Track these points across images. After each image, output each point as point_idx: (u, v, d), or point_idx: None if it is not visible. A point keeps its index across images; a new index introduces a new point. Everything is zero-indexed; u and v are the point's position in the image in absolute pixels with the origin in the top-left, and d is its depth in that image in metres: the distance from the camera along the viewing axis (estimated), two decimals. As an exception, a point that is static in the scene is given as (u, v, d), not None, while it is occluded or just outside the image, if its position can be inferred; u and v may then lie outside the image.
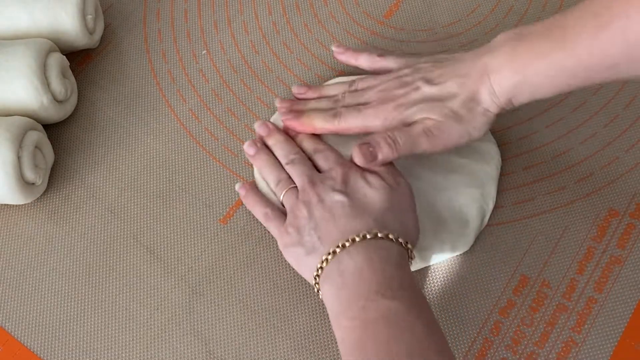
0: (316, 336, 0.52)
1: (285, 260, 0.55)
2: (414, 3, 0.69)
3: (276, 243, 0.56)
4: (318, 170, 0.55)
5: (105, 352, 0.53)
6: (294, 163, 0.55)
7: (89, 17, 0.65)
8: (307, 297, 0.54)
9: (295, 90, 0.61)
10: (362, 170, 0.53)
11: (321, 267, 0.49)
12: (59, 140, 0.64)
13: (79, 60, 0.68)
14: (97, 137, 0.64)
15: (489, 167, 0.57)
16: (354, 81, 0.58)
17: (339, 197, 0.51)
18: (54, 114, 0.61)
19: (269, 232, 0.57)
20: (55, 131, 0.64)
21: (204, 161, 0.61)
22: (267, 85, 0.65)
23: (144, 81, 0.67)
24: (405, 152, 0.52)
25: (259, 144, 0.58)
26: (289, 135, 0.58)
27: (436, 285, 0.54)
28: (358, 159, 0.53)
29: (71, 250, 0.58)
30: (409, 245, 0.49)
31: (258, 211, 0.56)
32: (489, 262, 0.54)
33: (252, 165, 0.61)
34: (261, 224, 0.57)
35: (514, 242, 0.55)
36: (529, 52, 0.50)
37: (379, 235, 0.48)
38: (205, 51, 0.68)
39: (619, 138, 0.59)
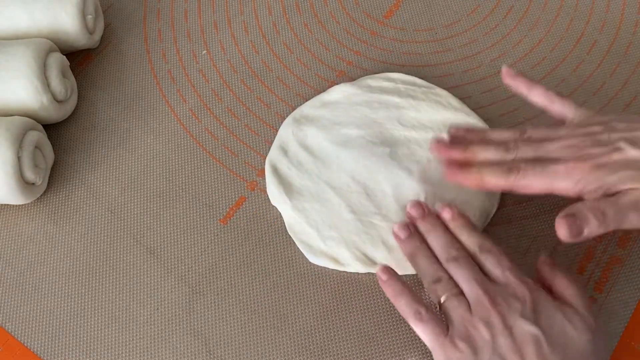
0: (316, 336, 0.52)
1: (285, 261, 0.55)
2: (414, 3, 0.69)
3: (276, 243, 0.56)
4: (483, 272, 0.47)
5: (105, 352, 0.53)
6: (457, 262, 0.47)
7: (89, 17, 0.65)
8: (307, 297, 0.54)
9: (453, 131, 0.53)
10: (554, 298, 0.45)
11: None
12: (59, 140, 0.64)
13: (79, 60, 0.68)
14: (97, 137, 0.64)
15: None
16: (525, 130, 0.50)
17: (531, 330, 0.42)
18: (54, 114, 0.61)
19: (269, 232, 0.57)
20: (55, 131, 0.64)
21: (204, 161, 0.61)
22: (267, 85, 0.65)
23: (144, 81, 0.67)
24: (613, 228, 0.45)
25: (412, 228, 0.51)
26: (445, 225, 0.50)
27: (436, 285, 0.54)
28: (562, 232, 0.45)
29: (71, 250, 0.58)
30: None
31: (406, 308, 0.47)
32: (489, 262, 0.54)
33: (252, 165, 0.61)
34: (261, 224, 0.57)
35: (514, 242, 0.55)
36: None
37: None
38: (205, 51, 0.68)
39: (619, 138, 0.58)
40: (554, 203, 0.56)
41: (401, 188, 0.56)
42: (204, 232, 0.58)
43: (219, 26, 0.70)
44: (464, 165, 0.50)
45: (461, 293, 0.46)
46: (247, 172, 0.60)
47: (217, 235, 0.58)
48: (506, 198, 0.57)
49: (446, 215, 0.50)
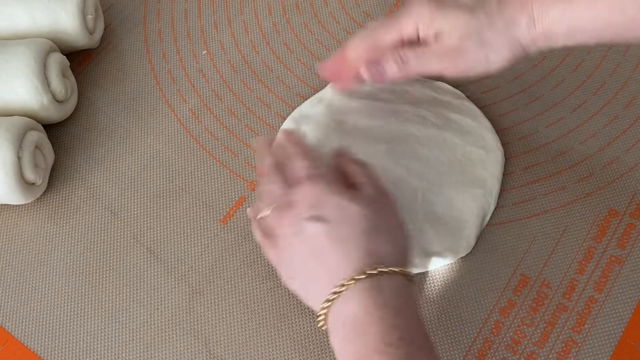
0: (316, 336, 0.52)
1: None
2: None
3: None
4: None
5: (105, 352, 0.53)
6: (268, 175, 0.51)
7: (89, 17, 0.65)
8: (307, 297, 0.54)
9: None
10: (338, 179, 0.48)
11: (324, 314, 0.45)
12: (59, 140, 0.64)
13: (79, 60, 0.68)
14: (97, 137, 0.64)
15: (490, 163, 0.56)
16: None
17: (315, 227, 0.46)
18: (54, 114, 0.61)
19: (269, 232, 0.57)
20: (55, 131, 0.64)
21: (204, 161, 0.61)
22: (267, 85, 0.65)
23: (144, 81, 0.67)
24: (415, 73, 0.50)
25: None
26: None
27: (436, 285, 0.54)
28: (367, 76, 0.51)
29: (71, 251, 0.58)
30: (406, 271, 0.45)
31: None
32: (489, 262, 0.54)
33: (252, 165, 0.61)
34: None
35: (514, 242, 0.55)
36: None
37: (370, 272, 0.43)
38: (205, 51, 0.68)
39: (619, 138, 0.58)
40: (554, 203, 0.56)
41: (398, 185, 0.56)
42: (204, 232, 0.58)
43: (219, 26, 0.70)
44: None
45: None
46: (247, 172, 0.60)
47: (217, 235, 0.58)
48: (505, 198, 0.57)
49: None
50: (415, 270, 0.53)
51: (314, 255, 0.46)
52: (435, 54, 0.49)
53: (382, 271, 0.44)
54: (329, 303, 0.44)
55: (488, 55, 0.48)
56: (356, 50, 0.52)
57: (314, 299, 0.46)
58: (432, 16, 0.49)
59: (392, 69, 0.50)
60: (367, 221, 0.45)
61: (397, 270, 0.44)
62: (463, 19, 0.48)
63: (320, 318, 0.45)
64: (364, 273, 0.43)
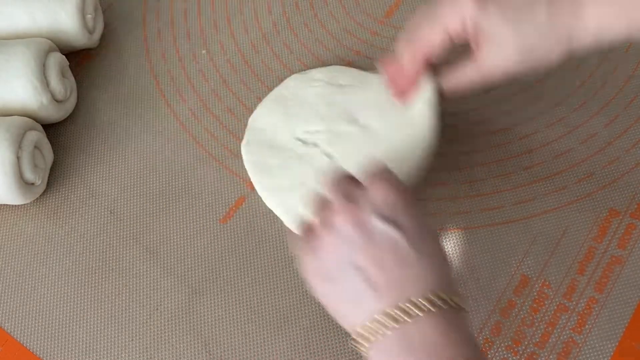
0: (316, 336, 0.52)
1: (285, 261, 0.55)
2: (414, 3, 0.69)
3: (276, 243, 0.56)
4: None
5: (105, 352, 0.53)
6: (336, 183, 0.44)
7: (89, 16, 0.65)
8: (307, 297, 0.54)
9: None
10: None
11: (371, 328, 0.39)
12: (59, 140, 0.64)
13: (79, 60, 0.68)
14: (97, 137, 0.64)
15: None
16: None
17: (389, 230, 0.40)
18: (54, 113, 0.61)
19: (269, 232, 0.57)
20: (55, 131, 0.64)
21: (204, 161, 0.61)
22: (267, 85, 0.65)
23: (144, 81, 0.67)
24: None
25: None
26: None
27: (436, 285, 0.54)
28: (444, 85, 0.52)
29: (71, 251, 0.58)
30: (464, 306, 0.40)
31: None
32: (489, 262, 0.54)
33: (252, 165, 0.61)
34: (261, 224, 0.57)
35: (515, 242, 0.55)
36: None
37: (445, 298, 0.39)
38: (205, 51, 0.68)
39: (619, 138, 0.59)
40: (554, 203, 0.56)
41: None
42: (204, 232, 0.58)
43: (218, 26, 0.70)
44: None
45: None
46: (247, 172, 0.60)
47: (217, 235, 0.58)
48: (505, 198, 0.57)
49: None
50: None
51: (381, 261, 0.40)
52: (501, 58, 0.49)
53: (455, 301, 0.39)
54: (387, 317, 0.38)
55: (553, 48, 0.48)
56: (409, 57, 0.52)
57: (361, 309, 0.40)
58: (475, 14, 0.48)
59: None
60: (439, 244, 0.42)
61: (462, 305, 0.40)
62: (517, 17, 0.48)
63: (364, 331, 0.39)
64: (441, 298, 0.39)
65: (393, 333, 0.38)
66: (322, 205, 0.43)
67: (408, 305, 0.38)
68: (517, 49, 0.48)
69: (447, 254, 0.45)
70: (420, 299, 0.38)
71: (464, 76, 0.52)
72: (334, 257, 0.41)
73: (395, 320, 0.38)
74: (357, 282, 0.40)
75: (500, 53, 0.49)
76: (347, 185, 0.43)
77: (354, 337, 0.40)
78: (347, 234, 0.41)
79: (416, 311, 0.38)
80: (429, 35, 0.51)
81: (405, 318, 0.38)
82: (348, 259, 0.40)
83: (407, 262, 0.40)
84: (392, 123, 0.57)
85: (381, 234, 0.40)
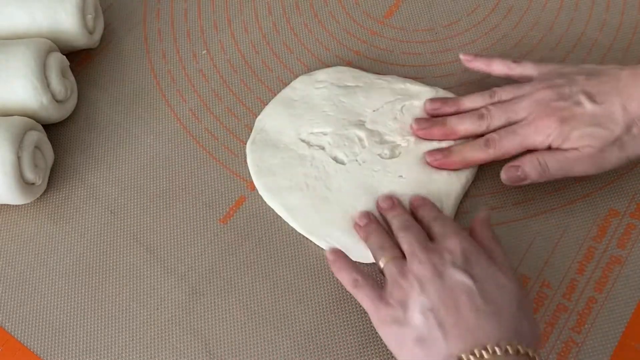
0: (316, 336, 0.52)
1: (285, 261, 0.55)
2: (414, 3, 0.69)
3: (276, 243, 0.56)
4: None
5: (105, 352, 0.53)
6: (406, 230, 0.48)
7: (89, 16, 0.65)
8: (307, 297, 0.54)
9: (428, 106, 0.57)
10: (484, 250, 0.46)
11: None
12: (59, 140, 0.64)
13: (79, 60, 0.68)
14: (97, 137, 0.64)
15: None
16: (494, 92, 0.55)
17: (463, 278, 0.43)
18: (54, 113, 0.61)
19: (269, 232, 0.57)
20: (55, 131, 0.64)
21: (204, 161, 0.61)
22: (267, 85, 0.65)
23: (144, 81, 0.67)
24: (556, 177, 0.52)
25: (372, 216, 0.53)
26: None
27: (436, 285, 0.54)
28: (504, 177, 0.52)
29: (71, 250, 0.58)
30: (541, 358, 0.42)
31: (346, 277, 0.48)
32: (489, 262, 0.54)
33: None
34: (261, 224, 0.57)
35: (514, 242, 0.55)
36: None
37: (520, 349, 0.40)
38: (205, 51, 0.68)
39: (619, 138, 0.58)
40: (554, 203, 0.56)
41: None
42: (204, 232, 0.58)
43: (219, 26, 0.70)
44: (448, 153, 0.54)
45: (403, 257, 0.47)
46: (247, 172, 0.60)
47: (217, 235, 0.58)
48: (505, 198, 0.57)
49: (415, 202, 0.53)
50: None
51: (452, 306, 0.42)
52: (578, 160, 0.51)
53: (530, 354, 0.41)
54: None
55: (629, 155, 0.51)
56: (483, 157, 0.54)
57: (426, 353, 0.42)
58: (563, 132, 0.51)
59: (531, 175, 0.51)
60: (517, 295, 0.43)
61: (536, 357, 0.41)
62: (597, 132, 0.50)
63: None
64: (514, 347, 0.40)
65: None
66: (387, 246, 0.48)
67: (479, 349, 0.40)
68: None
69: (531, 305, 0.47)
70: (494, 346, 0.40)
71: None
72: (409, 302, 0.43)
73: None
74: (428, 323, 0.42)
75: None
76: (419, 233, 0.47)
77: None
78: (423, 278, 0.44)
79: (484, 354, 0.40)
80: (509, 149, 0.53)
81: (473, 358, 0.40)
82: (421, 301, 0.43)
83: (480, 308, 0.42)
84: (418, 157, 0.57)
85: (454, 280, 0.43)
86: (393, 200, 0.53)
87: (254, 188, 0.59)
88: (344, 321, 0.53)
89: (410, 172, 0.56)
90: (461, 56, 0.59)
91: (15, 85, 0.59)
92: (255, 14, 0.70)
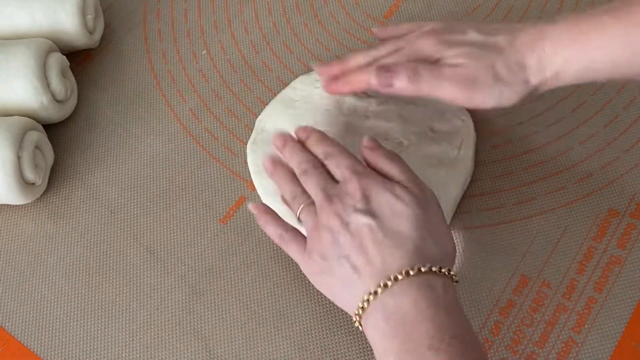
0: (316, 336, 0.52)
1: (285, 261, 0.55)
2: (414, 3, 0.69)
3: (276, 244, 0.56)
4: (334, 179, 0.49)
5: (105, 352, 0.53)
6: (306, 174, 0.49)
7: (89, 16, 0.65)
8: (307, 297, 0.54)
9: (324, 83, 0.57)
10: (384, 179, 0.48)
11: (362, 308, 0.44)
12: (59, 140, 0.64)
13: (79, 60, 0.68)
14: (97, 137, 0.64)
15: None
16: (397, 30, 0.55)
17: (364, 220, 0.45)
18: (54, 113, 0.61)
19: (269, 232, 0.57)
20: (55, 131, 0.64)
21: (204, 161, 0.61)
22: (267, 85, 0.65)
23: (144, 81, 0.67)
24: (425, 92, 0.50)
25: (276, 159, 0.53)
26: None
27: (436, 285, 0.54)
28: (373, 80, 0.50)
29: (71, 250, 0.58)
30: (452, 273, 0.45)
31: (272, 232, 0.51)
32: (489, 262, 0.54)
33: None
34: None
35: (514, 242, 0.55)
36: (590, 25, 0.47)
37: (423, 270, 0.43)
38: (205, 51, 0.68)
39: (619, 138, 0.58)
40: (554, 203, 0.56)
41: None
42: (204, 232, 0.58)
43: (219, 26, 0.70)
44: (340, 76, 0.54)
45: (312, 203, 0.48)
46: (247, 172, 0.60)
47: (217, 235, 0.58)
48: (505, 198, 0.57)
49: (301, 134, 0.53)
50: None
51: (360, 248, 0.45)
52: (451, 78, 0.49)
53: (433, 270, 0.44)
54: (373, 296, 0.43)
55: (502, 90, 0.49)
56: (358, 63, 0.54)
57: (350, 294, 0.45)
58: (442, 48, 0.50)
59: (402, 80, 0.50)
60: (417, 220, 0.45)
61: (445, 272, 0.44)
62: (476, 52, 0.49)
63: (358, 312, 0.44)
64: (417, 269, 0.43)
65: (375, 307, 0.43)
66: (297, 195, 0.50)
67: (385, 280, 0.43)
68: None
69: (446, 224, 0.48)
70: (395, 273, 0.43)
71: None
72: (327, 253, 0.46)
73: (376, 294, 0.43)
74: (345, 269, 0.45)
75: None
76: (319, 176, 0.48)
77: (354, 319, 0.45)
78: (333, 230, 0.46)
79: (389, 282, 0.43)
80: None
81: (382, 290, 0.43)
82: (336, 252, 0.46)
83: (382, 243, 0.44)
84: (420, 140, 0.57)
85: (358, 224, 0.45)
86: (285, 137, 0.53)
87: (254, 188, 0.59)
88: (344, 321, 0.53)
89: None
90: (374, 29, 0.58)
91: (15, 85, 0.59)
92: (256, 14, 0.70)
